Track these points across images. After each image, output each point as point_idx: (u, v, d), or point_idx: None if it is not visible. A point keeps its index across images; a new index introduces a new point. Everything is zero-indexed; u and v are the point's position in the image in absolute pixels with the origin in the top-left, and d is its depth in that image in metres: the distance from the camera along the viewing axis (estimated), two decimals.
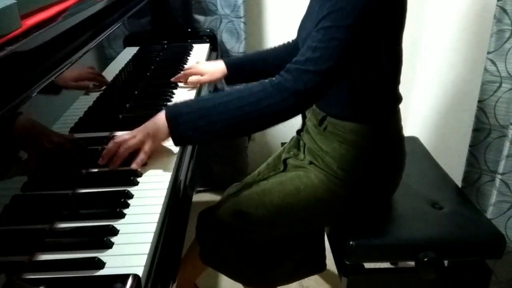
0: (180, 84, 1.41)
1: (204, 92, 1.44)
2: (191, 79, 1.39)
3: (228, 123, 0.95)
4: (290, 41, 1.39)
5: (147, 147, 0.96)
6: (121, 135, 0.99)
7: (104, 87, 1.12)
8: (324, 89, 0.96)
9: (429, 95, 1.91)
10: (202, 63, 1.44)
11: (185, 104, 0.98)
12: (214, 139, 0.95)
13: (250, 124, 0.97)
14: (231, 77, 1.38)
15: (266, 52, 1.40)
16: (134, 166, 0.94)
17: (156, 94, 1.34)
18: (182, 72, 1.42)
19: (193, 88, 1.40)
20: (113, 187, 0.89)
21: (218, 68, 1.37)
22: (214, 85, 1.58)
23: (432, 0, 1.83)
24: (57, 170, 0.88)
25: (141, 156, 0.96)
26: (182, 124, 0.95)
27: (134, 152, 0.97)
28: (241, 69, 1.37)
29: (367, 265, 1.21)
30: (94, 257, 0.71)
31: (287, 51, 1.37)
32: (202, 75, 1.38)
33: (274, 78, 0.97)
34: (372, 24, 0.96)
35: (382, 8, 0.96)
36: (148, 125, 0.98)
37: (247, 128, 0.99)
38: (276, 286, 1.30)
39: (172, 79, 1.40)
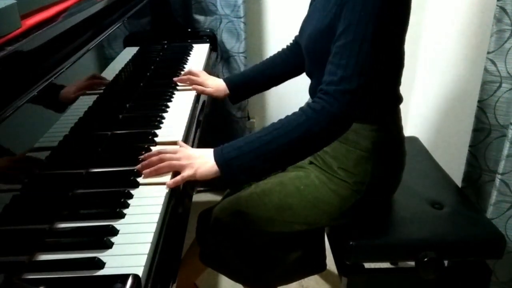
0: (180, 85, 1.42)
1: (203, 97, 1.44)
2: (197, 86, 1.40)
3: (279, 159, 0.95)
4: (285, 47, 1.41)
5: (186, 174, 0.94)
6: (167, 150, 0.99)
7: (103, 87, 1.12)
8: (363, 104, 0.95)
9: (429, 95, 1.91)
10: (208, 77, 1.45)
11: (234, 147, 0.96)
12: (268, 174, 1.00)
13: (301, 154, 0.98)
14: (233, 96, 1.41)
15: (262, 64, 1.42)
16: (169, 183, 0.92)
17: (156, 94, 1.34)
18: (186, 75, 1.42)
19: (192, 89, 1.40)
20: (113, 187, 0.89)
21: (221, 87, 1.40)
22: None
23: (432, 0, 1.83)
24: (57, 170, 0.88)
25: (178, 179, 0.93)
26: (234, 168, 0.94)
27: None
28: (241, 87, 1.41)
29: (367, 265, 1.21)
30: (94, 257, 0.71)
31: (283, 59, 1.40)
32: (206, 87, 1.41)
33: (313, 104, 0.96)
34: (386, 27, 0.96)
35: (393, 11, 0.97)
36: (197, 155, 0.98)
37: (298, 157, 0.99)
38: (276, 286, 1.30)
39: (175, 79, 1.41)
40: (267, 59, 1.43)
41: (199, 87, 1.40)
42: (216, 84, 1.41)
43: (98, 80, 1.11)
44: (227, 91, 1.39)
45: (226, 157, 0.95)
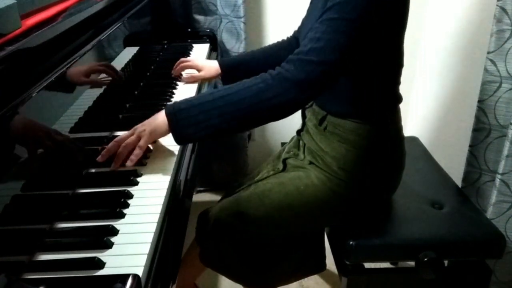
0: (179, 83, 1.42)
1: (205, 90, 1.44)
2: (185, 75, 1.41)
3: (227, 118, 0.92)
4: (285, 38, 1.39)
5: (142, 142, 0.95)
6: (121, 135, 0.99)
7: (103, 87, 1.12)
8: (325, 82, 0.93)
9: (429, 95, 1.91)
10: (199, 59, 1.46)
11: (185, 100, 0.97)
12: (214, 134, 0.92)
13: (250, 117, 0.94)
14: (225, 77, 1.40)
15: (260, 51, 1.41)
16: (128, 163, 0.94)
17: (156, 94, 1.34)
18: (179, 63, 1.43)
19: (193, 83, 1.40)
20: (113, 187, 0.89)
21: (213, 65, 1.39)
22: (214, 84, 1.58)
23: (432, 0, 1.83)
24: (57, 170, 0.88)
25: (136, 152, 0.95)
26: (181, 120, 0.93)
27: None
28: (235, 68, 1.38)
29: (367, 265, 1.21)
30: (94, 257, 0.71)
31: (282, 49, 1.37)
32: (199, 70, 1.41)
33: (273, 70, 0.96)
34: (376, 19, 0.95)
35: (386, 3, 0.96)
36: (147, 122, 0.99)
37: (247, 122, 0.95)
38: (276, 286, 1.30)
39: (173, 74, 1.42)
40: (265, 46, 1.41)
41: (190, 76, 1.41)
42: (207, 64, 1.40)
43: (108, 71, 1.12)
44: (219, 71, 1.38)
45: (175, 107, 0.94)
